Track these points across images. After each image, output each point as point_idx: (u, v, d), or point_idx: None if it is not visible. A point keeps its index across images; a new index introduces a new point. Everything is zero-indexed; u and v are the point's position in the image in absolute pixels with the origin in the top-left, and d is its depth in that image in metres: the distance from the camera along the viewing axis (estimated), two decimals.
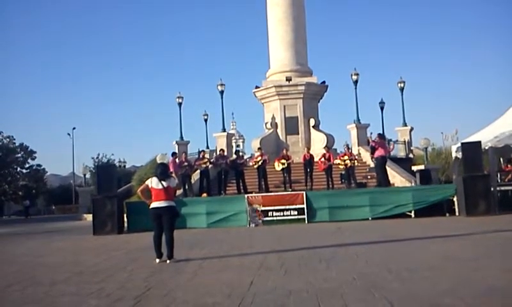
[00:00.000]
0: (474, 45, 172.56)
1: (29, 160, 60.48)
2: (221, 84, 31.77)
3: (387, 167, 18.34)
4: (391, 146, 21.24)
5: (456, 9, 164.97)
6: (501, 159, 21.19)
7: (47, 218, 40.35)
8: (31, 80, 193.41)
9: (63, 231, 19.04)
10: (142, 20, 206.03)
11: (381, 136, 18.40)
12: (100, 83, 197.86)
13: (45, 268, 8.39)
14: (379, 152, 17.40)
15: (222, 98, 31.78)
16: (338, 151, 27.93)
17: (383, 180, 17.50)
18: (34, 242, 14.62)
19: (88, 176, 32.91)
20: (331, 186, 20.13)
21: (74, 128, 61.86)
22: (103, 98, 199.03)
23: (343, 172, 20.57)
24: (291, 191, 18.56)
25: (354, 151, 24.64)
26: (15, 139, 58.39)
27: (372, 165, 22.85)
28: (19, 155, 59.29)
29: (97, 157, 52.30)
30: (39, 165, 61.83)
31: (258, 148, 22.06)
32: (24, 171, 60.40)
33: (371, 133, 22.19)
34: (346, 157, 20.06)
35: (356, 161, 20.49)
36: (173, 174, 13.48)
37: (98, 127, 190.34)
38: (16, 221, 35.56)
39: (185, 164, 19.99)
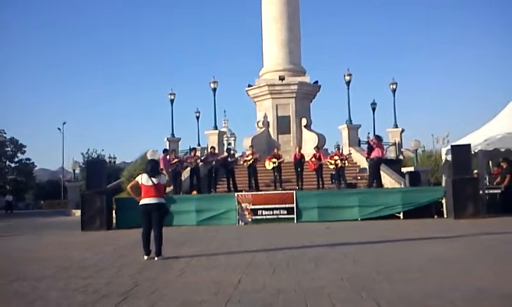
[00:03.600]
0: (465, 50, 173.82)
1: (19, 154, 60.06)
2: (214, 82, 31.70)
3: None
4: (384, 151, 21.32)
5: (450, 11, 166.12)
6: (490, 162, 21.33)
7: (34, 213, 40.00)
8: (23, 75, 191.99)
9: (51, 226, 18.88)
10: (134, 17, 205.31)
11: (378, 138, 18.47)
12: (92, 79, 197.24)
13: (32, 263, 8.32)
14: (376, 153, 17.47)
15: (214, 95, 31.74)
16: (329, 151, 28.01)
17: (376, 181, 17.58)
18: (21, 236, 14.51)
19: (77, 171, 32.70)
20: (321, 186, 20.16)
21: (64, 123, 61.22)
22: (94, 94, 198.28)
23: (333, 172, 20.61)
24: (281, 190, 18.57)
25: (345, 152, 24.74)
26: (5, 133, 58.02)
27: (363, 165, 22.97)
28: (8, 148, 58.83)
29: (87, 153, 51.93)
30: (28, 159, 61.43)
31: (250, 147, 22.03)
32: (13, 165, 59.93)
33: (368, 134, 22.33)
34: (337, 157, 20.11)
35: (346, 161, 20.55)
36: (164, 171, 13.48)
37: (89, 123, 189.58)
38: (13, 216, 34.73)
39: (176, 160, 19.92)
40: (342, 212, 15.78)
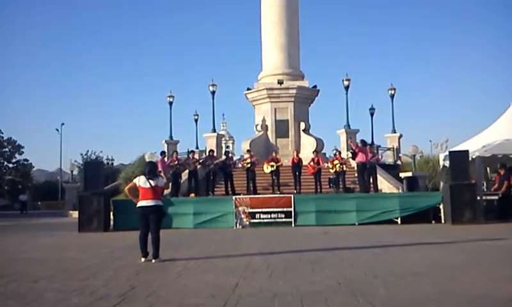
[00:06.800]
0: (465, 55, 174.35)
1: (16, 155, 59.96)
2: (213, 85, 31.70)
3: (378, 174, 18.43)
4: (379, 156, 21.33)
5: (450, 15, 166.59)
6: (487, 169, 21.38)
7: (33, 214, 39.86)
8: (21, 76, 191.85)
9: (48, 227, 18.85)
10: (134, 19, 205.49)
11: (364, 143, 18.44)
12: (91, 80, 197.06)
13: (29, 263, 8.30)
14: (360, 158, 17.50)
15: (213, 98, 31.73)
16: (327, 155, 28.02)
17: (361, 186, 17.61)
18: (18, 237, 14.46)
19: (75, 172, 32.63)
20: (319, 190, 20.17)
21: (63, 124, 60.96)
22: (93, 96, 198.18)
23: (331, 176, 20.61)
24: (279, 194, 18.57)
25: (343, 156, 24.75)
26: (3, 133, 57.96)
27: None
28: (6, 149, 58.78)
29: (86, 154, 51.77)
30: (26, 160, 61.30)
31: (248, 150, 22.04)
32: (11, 165, 59.84)
33: (350, 138, 22.53)
34: (337, 162, 20.15)
35: (344, 166, 20.57)
36: (162, 174, 13.46)
37: (87, 124, 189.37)
38: (9, 216, 33.83)
39: (176, 162, 19.89)
40: (339, 217, 15.78)
